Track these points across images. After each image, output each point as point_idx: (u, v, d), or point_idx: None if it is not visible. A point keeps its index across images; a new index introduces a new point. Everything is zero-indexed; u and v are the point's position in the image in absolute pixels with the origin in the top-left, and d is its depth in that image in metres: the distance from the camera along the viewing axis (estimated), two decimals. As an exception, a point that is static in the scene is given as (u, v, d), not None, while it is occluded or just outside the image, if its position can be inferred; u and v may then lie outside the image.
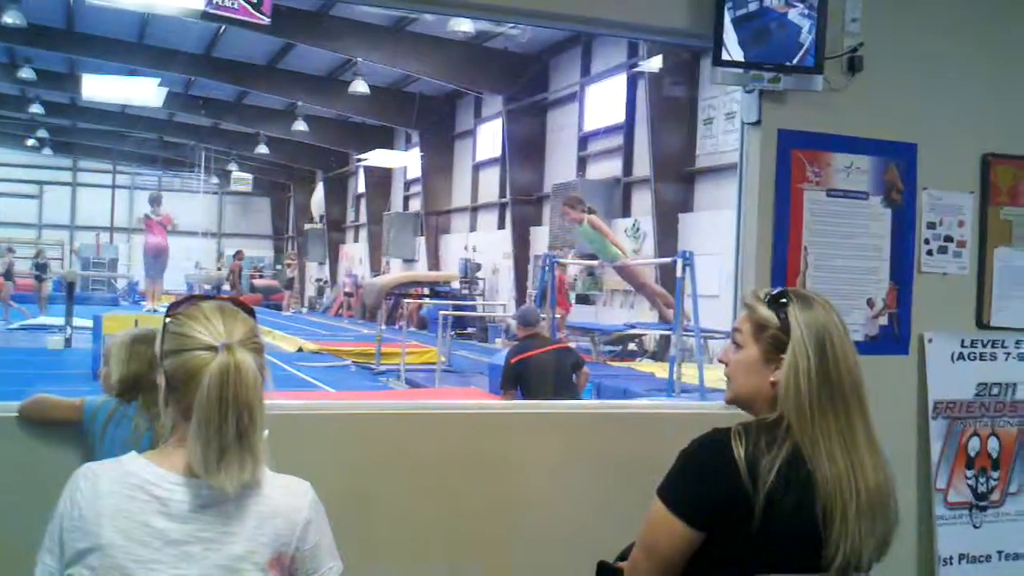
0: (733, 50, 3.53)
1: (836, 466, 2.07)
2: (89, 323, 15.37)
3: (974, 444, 4.01)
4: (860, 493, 2.07)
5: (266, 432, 1.94)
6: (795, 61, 3.57)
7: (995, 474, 4.03)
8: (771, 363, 2.19)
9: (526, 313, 8.75)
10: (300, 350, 18.35)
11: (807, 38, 3.56)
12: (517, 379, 7.90)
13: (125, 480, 1.84)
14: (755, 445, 2.10)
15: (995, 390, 4.04)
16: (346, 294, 32.48)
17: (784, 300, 2.21)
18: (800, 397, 2.11)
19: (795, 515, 2.06)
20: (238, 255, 32.88)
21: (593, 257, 13.49)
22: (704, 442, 2.18)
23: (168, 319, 1.96)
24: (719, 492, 2.09)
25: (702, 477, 2.14)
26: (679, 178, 18.64)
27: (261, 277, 36.51)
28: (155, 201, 20.59)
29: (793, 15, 3.55)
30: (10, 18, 20.18)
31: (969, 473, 3.99)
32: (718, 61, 3.55)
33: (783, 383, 2.15)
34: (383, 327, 16.12)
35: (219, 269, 35.69)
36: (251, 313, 2.03)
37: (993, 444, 4.03)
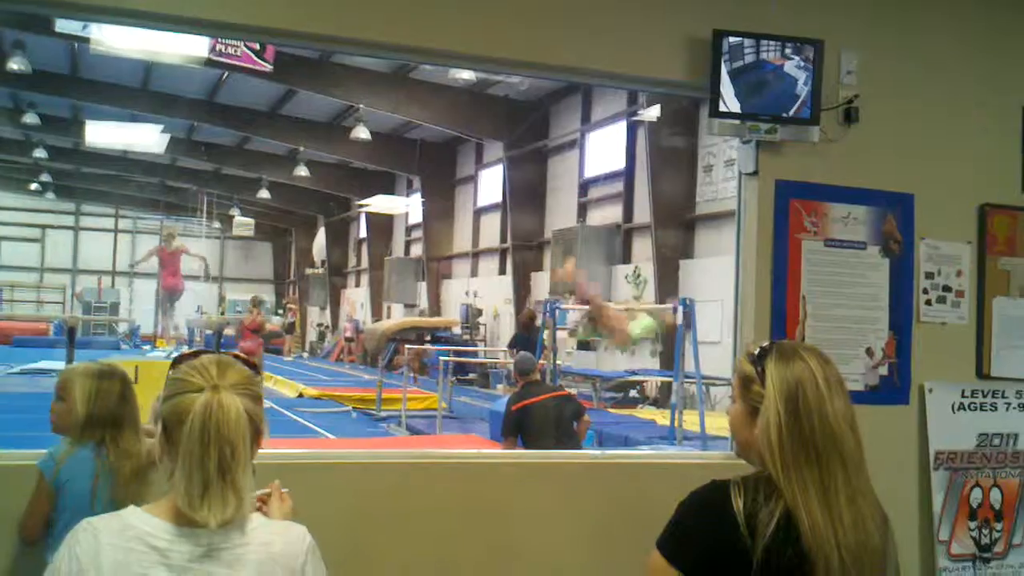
0: (730, 102, 3.56)
1: (814, 519, 2.06)
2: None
3: (976, 495, 3.98)
4: (840, 548, 2.05)
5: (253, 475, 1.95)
6: (791, 113, 3.60)
7: (998, 525, 4.00)
8: (754, 417, 2.20)
9: (521, 362, 8.74)
10: (301, 395, 18.30)
11: (803, 90, 3.59)
12: (518, 427, 7.88)
13: (124, 532, 1.84)
14: (753, 498, 2.09)
15: (996, 440, 4.02)
16: (347, 339, 32.44)
17: (765, 355, 2.22)
18: (772, 450, 2.11)
19: (793, 568, 2.05)
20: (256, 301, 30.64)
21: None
22: (702, 494, 2.18)
23: (171, 370, 2.00)
24: (717, 544, 2.08)
25: (700, 529, 2.13)
26: (679, 224, 18.71)
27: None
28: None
29: (789, 67, 3.58)
30: (15, 64, 20.41)
31: (972, 524, 3.97)
32: (715, 112, 3.58)
33: (759, 437, 2.15)
34: (398, 372, 16.05)
35: (222, 314, 35.66)
36: (253, 368, 2.06)
37: (995, 495, 4.01)
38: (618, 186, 20.96)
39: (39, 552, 3.06)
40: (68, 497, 3.10)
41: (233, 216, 39.64)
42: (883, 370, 3.88)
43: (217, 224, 42.22)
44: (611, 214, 21.33)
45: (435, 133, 26.90)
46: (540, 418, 7.85)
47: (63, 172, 38.05)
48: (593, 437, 10.52)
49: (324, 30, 3.40)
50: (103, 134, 24.75)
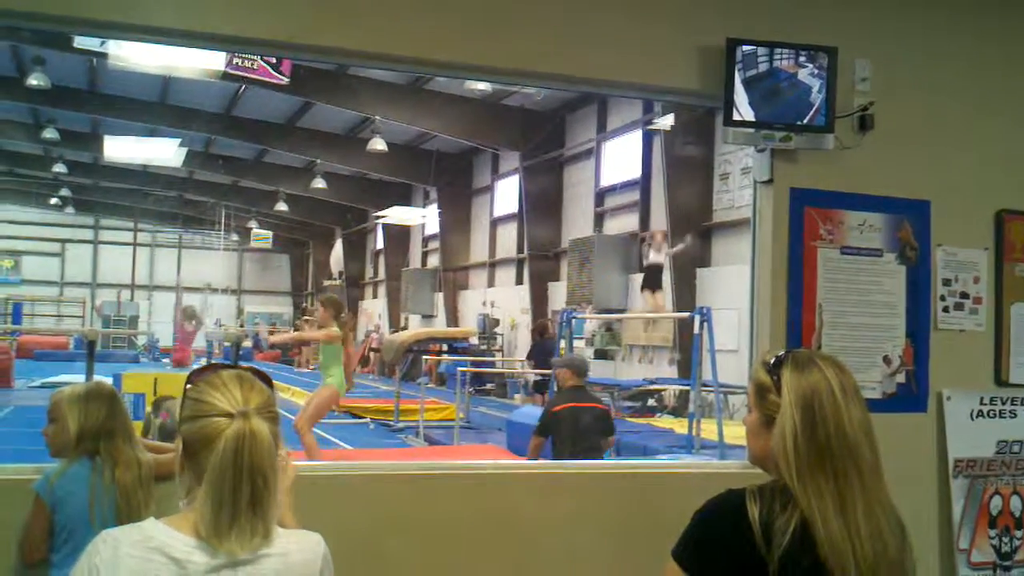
0: (744, 110, 3.56)
1: (831, 529, 2.05)
2: (109, 382, 15.35)
3: (996, 503, 3.96)
4: (857, 558, 2.04)
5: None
6: (806, 120, 3.59)
7: (1018, 533, 3.97)
8: (770, 426, 2.19)
9: (581, 363, 8.67)
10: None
11: (817, 97, 3.59)
12: (552, 429, 7.88)
13: (143, 543, 1.85)
14: (769, 507, 2.08)
15: (1016, 447, 3.99)
16: (372, 350, 32.21)
17: (780, 364, 2.21)
18: (787, 459, 2.10)
19: (810, 578, 2.04)
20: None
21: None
22: (718, 503, 2.17)
23: (188, 386, 2.00)
24: (733, 553, 2.08)
25: (716, 538, 2.13)
26: (696, 233, 18.68)
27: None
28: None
29: (803, 75, 3.58)
30: (35, 80, 20.60)
31: (992, 532, 3.94)
32: (729, 121, 3.58)
33: (775, 446, 2.15)
34: (415, 383, 16.02)
35: (240, 326, 35.75)
36: (269, 383, 2.06)
37: (1016, 503, 3.98)
38: (634, 195, 20.93)
39: (44, 571, 3.08)
40: (66, 513, 3.12)
41: (251, 229, 39.84)
42: (900, 378, 3.86)
43: (235, 237, 42.44)
44: (628, 223, 21.31)
45: (451, 144, 26.94)
46: (572, 424, 7.84)
47: (82, 186, 38.34)
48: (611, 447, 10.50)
49: (340, 44, 3.42)
50: (121, 149, 24.91)
